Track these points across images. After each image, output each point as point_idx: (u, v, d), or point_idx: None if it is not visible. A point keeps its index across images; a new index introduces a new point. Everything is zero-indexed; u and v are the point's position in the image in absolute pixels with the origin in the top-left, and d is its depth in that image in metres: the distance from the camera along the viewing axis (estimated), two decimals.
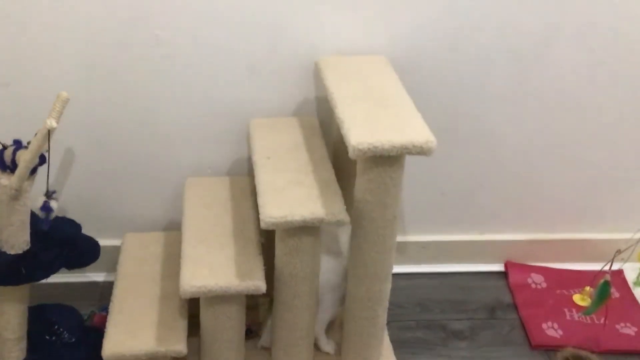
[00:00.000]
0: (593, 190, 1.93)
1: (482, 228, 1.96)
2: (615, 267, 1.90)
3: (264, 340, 1.65)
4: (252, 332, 1.67)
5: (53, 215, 1.39)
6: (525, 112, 1.80)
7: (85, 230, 1.55)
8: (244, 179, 1.74)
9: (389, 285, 1.52)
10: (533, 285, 1.93)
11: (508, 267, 1.98)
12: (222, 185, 1.72)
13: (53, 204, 1.38)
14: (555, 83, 1.76)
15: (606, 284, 1.69)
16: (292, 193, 1.42)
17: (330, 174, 1.50)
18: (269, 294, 1.52)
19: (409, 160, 1.36)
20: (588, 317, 1.80)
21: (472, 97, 1.76)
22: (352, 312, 1.55)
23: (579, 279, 1.93)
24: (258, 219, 1.40)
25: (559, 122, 1.82)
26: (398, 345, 1.71)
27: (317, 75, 1.66)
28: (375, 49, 1.66)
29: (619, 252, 1.75)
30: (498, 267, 1.99)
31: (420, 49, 1.67)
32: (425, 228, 1.94)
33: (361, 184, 1.39)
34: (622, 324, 1.80)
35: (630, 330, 1.78)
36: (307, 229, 1.40)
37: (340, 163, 1.60)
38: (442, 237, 1.95)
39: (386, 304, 1.55)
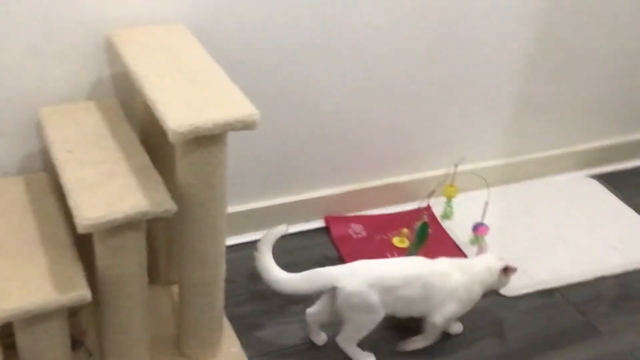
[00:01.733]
0: (398, 135, 2.00)
1: (300, 188, 1.95)
2: (423, 204, 2.02)
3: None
4: (78, 343, 1.51)
5: None
6: (328, 66, 1.79)
7: None
8: (40, 177, 1.53)
9: (224, 266, 1.46)
10: (354, 236, 1.97)
11: (328, 222, 2.00)
12: (16, 186, 1.51)
13: None
14: (355, 36, 1.77)
15: (424, 225, 1.78)
16: (108, 188, 1.28)
17: (145, 160, 1.37)
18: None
19: None
20: None
21: (275, 58, 1.71)
22: (189, 301, 1.46)
23: (394, 222, 2.01)
24: (67, 220, 1.24)
25: (360, 72, 1.84)
26: (236, 322, 1.66)
27: (109, 51, 1.50)
28: (170, 16, 1.53)
29: (432, 192, 1.84)
30: (319, 224, 2.00)
31: (220, 13, 1.57)
32: (244, 196, 1.88)
33: (184, 167, 1.29)
34: (439, 259, 1.90)
35: None
36: (131, 225, 1.27)
37: (152, 146, 1.47)
38: (262, 203, 1.91)
39: (222, 284, 1.48)
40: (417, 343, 1.63)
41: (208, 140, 1.24)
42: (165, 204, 1.27)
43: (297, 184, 1.94)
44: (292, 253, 1.90)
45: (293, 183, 1.93)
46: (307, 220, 1.99)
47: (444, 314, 1.57)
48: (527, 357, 1.64)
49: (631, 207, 2.19)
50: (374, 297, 1.49)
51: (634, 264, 1.95)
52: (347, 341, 1.56)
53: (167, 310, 1.65)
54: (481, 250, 1.66)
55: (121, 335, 1.41)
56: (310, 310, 1.60)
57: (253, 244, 1.91)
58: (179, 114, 1.20)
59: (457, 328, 1.66)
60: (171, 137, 1.19)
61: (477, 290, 1.59)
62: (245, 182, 1.86)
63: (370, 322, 1.53)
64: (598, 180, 2.31)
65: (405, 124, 1.99)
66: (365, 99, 1.89)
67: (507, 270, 1.60)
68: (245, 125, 1.23)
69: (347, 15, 1.73)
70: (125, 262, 1.31)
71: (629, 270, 1.93)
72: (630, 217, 2.15)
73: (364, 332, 1.56)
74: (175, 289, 1.71)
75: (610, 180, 2.32)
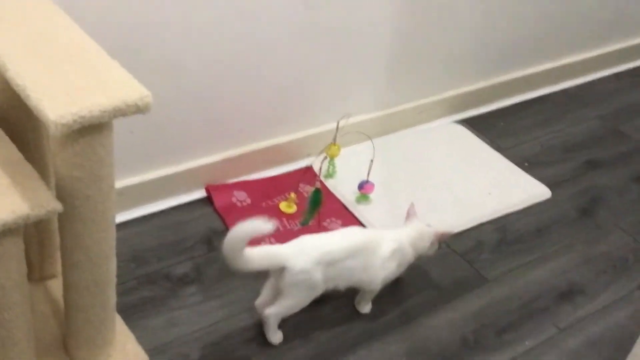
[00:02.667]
0: (274, 95, 1.91)
1: (177, 158, 1.81)
2: (303, 164, 1.97)
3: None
4: None
5: None
6: (198, 27, 1.65)
7: None
8: None
9: (114, 261, 1.31)
10: (239, 204, 1.88)
11: (210, 191, 1.88)
12: None
13: None
14: None
15: (317, 191, 1.73)
16: None
17: (13, 152, 1.18)
18: None
19: None
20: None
21: (143, 25, 1.55)
22: (78, 303, 1.31)
23: (279, 186, 1.94)
24: None
25: (231, 32, 1.72)
26: (126, 313, 1.52)
27: None
28: None
29: (325, 155, 1.81)
30: (201, 194, 1.88)
31: None
32: (118, 173, 1.70)
33: (66, 160, 1.12)
34: (328, 220, 1.87)
35: (337, 225, 1.86)
36: (9, 232, 1.09)
37: (17, 134, 1.27)
38: (138, 179, 1.76)
39: (114, 280, 1.34)
40: (364, 309, 1.64)
41: (94, 128, 1.08)
42: (49, 203, 1.10)
43: (173, 154, 1.80)
44: (175, 228, 1.78)
45: (169, 154, 1.79)
46: (187, 191, 1.86)
47: (383, 278, 1.58)
48: (425, 314, 1.67)
49: (495, 149, 2.27)
50: (319, 275, 1.46)
51: (507, 207, 2.03)
52: (278, 316, 1.51)
53: (45, 310, 1.48)
54: (410, 215, 1.67)
55: (2, 350, 1.24)
56: (258, 301, 1.53)
57: (132, 223, 1.79)
58: (58, 102, 1.03)
59: (367, 308, 1.66)
60: (52, 130, 1.02)
61: (410, 253, 1.61)
62: (118, 157, 1.68)
63: (308, 299, 1.51)
64: (463, 125, 2.38)
65: (281, 83, 1.90)
66: (237, 60, 1.77)
67: (443, 235, 1.64)
68: (138, 109, 1.10)
69: None
70: (4, 272, 1.14)
71: (503, 214, 2.01)
72: (497, 160, 2.23)
73: (297, 309, 1.52)
74: (51, 284, 1.53)
75: (474, 124, 2.39)
